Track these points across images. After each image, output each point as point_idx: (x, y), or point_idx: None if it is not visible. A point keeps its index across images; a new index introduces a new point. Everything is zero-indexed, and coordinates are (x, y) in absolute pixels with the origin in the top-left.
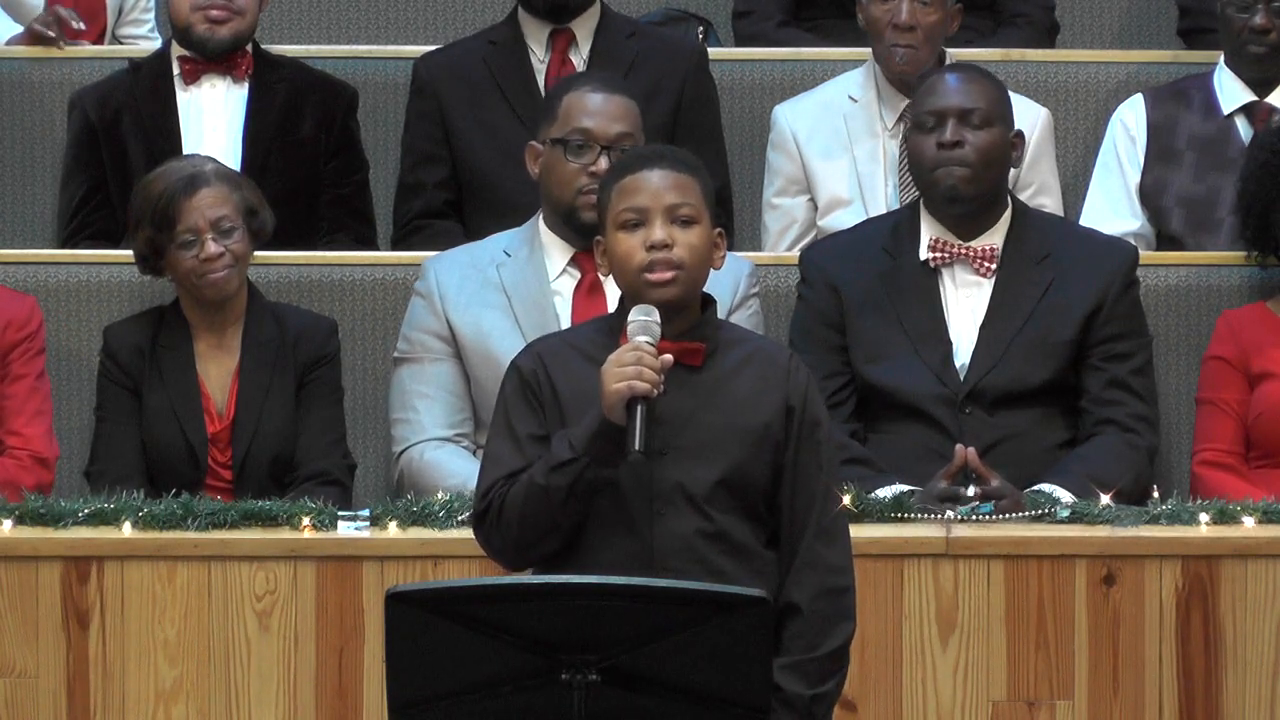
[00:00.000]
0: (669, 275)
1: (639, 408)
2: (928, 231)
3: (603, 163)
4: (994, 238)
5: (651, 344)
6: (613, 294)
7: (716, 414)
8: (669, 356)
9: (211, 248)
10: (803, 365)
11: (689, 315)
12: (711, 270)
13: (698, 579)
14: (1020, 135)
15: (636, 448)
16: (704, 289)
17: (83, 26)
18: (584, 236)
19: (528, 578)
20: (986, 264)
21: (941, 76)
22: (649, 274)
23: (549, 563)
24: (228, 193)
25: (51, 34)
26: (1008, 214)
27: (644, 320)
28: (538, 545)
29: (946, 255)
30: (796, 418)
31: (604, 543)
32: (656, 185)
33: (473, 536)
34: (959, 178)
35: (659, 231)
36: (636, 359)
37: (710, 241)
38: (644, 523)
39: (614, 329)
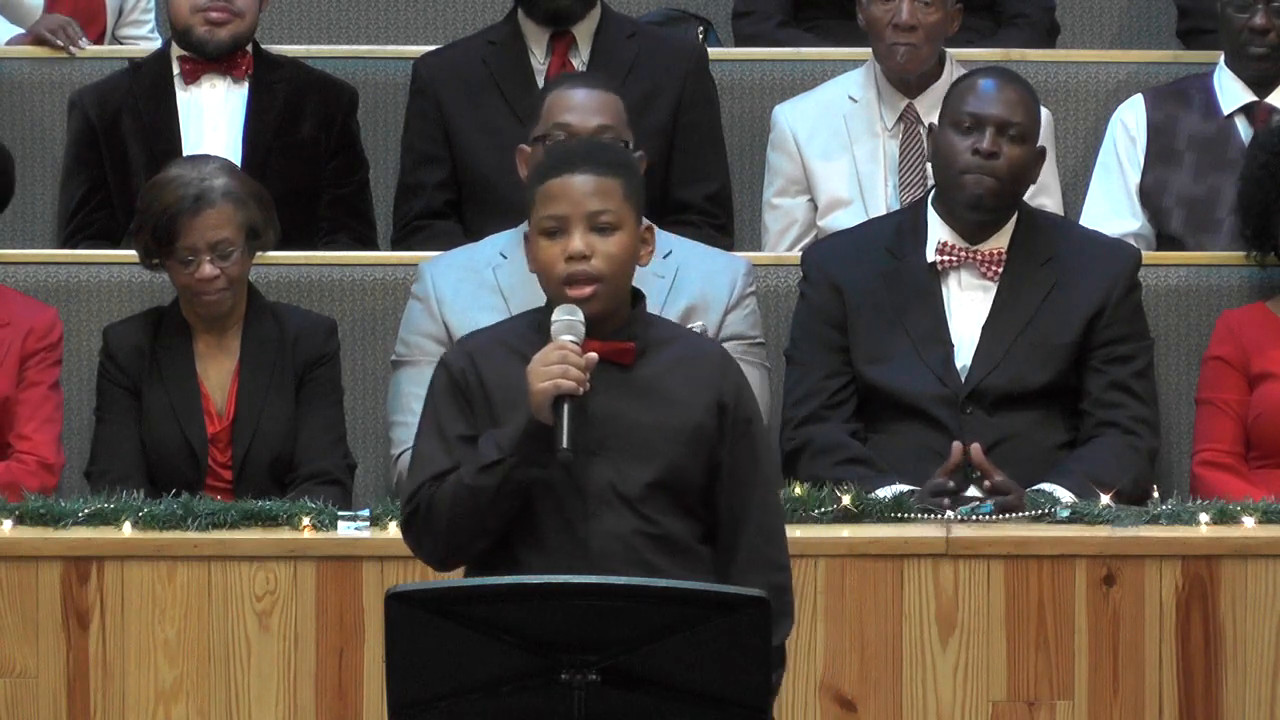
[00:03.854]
0: (588, 291)
1: (565, 406)
2: (935, 234)
3: None
4: (1000, 241)
5: (576, 342)
6: None
7: (649, 414)
8: (594, 355)
9: (207, 270)
10: (734, 361)
11: (619, 314)
12: (708, 269)
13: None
14: (1043, 151)
15: (565, 446)
16: (699, 287)
17: (85, 44)
18: None
19: (528, 578)
20: (993, 268)
21: (985, 78)
22: (569, 288)
23: (483, 564)
24: (232, 212)
25: (59, 41)
26: (1013, 217)
27: (568, 320)
28: (467, 547)
29: (954, 259)
30: (730, 415)
31: (540, 544)
32: (577, 192)
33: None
34: (987, 188)
35: (577, 242)
36: (561, 358)
37: (634, 243)
38: (579, 523)
39: (542, 325)
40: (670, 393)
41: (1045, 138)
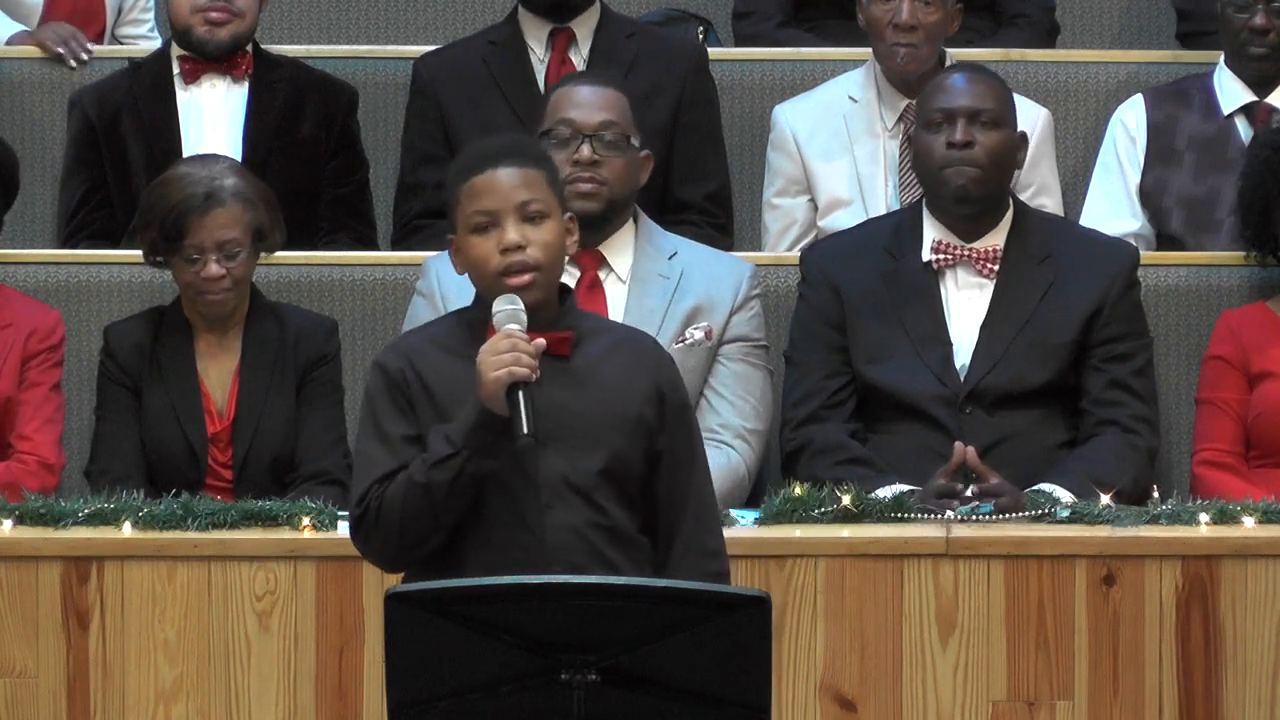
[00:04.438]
0: (527, 279)
1: (520, 393)
2: (930, 233)
3: (585, 150)
4: (996, 239)
5: (521, 330)
6: (612, 292)
7: (592, 403)
8: (542, 340)
9: (213, 269)
10: (665, 350)
11: (550, 307)
12: (713, 271)
13: (590, 571)
14: (1024, 136)
15: (526, 432)
16: (704, 289)
17: (86, 56)
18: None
19: (528, 578)
20: (989, 265)
21: (950, 75)
22: (506, 278)
23: (429, 564)
24: (240, 213)
25: (60, 50)
26: (1009, 215)
27: (510, 309)
28: (420, 545)
29: (949, 257)
30: (668, 402)
31: (491, 540)
32: (505, 184)
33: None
34: (969, 178)
35: (512, 233)
36: (512, 345)
37: (563, 231)
38: (534, 517)
39: (473, 323)
40: (609, 381)
41: (1045, 138)
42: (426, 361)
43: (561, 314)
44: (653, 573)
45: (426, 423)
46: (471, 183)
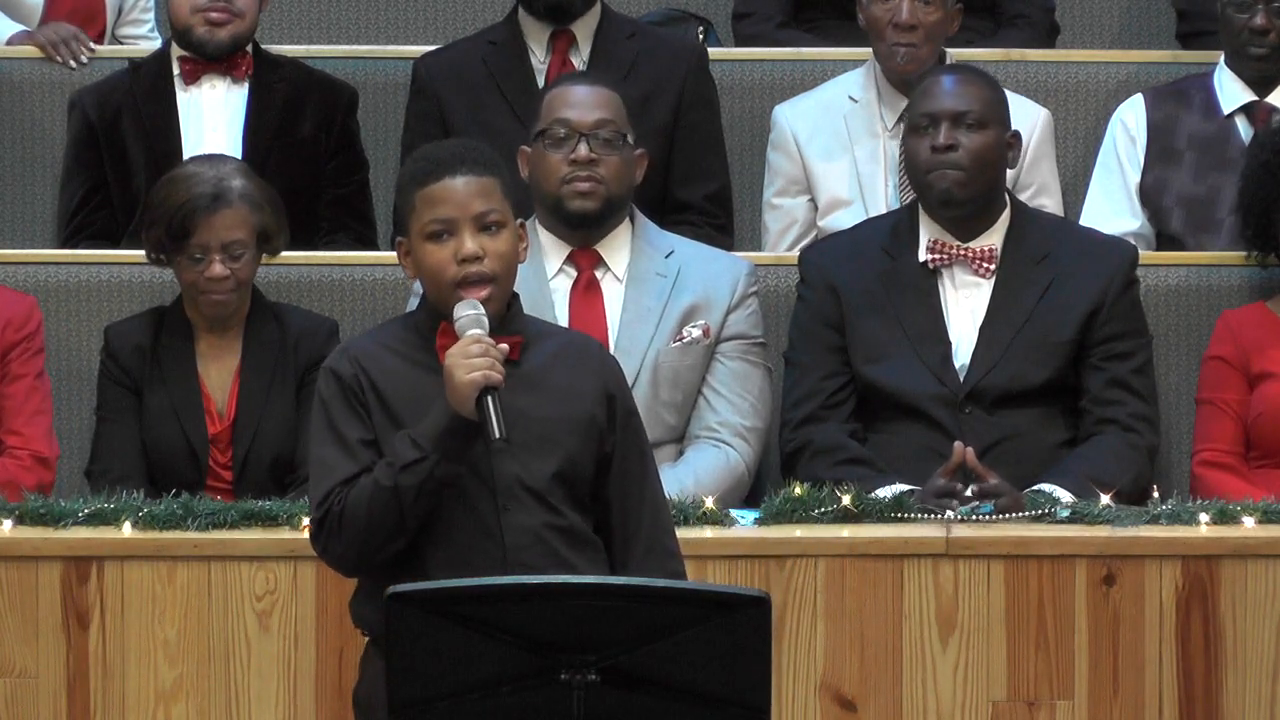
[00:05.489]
0: (485, 293)
1: (491, 397)
2: (926, 233)
3: (583, 149)
4: (992, 238)
5: (485, 334)
6: (609, 290)
7: (544, 406)
8: (505, 345)
9: (218, 269)
10: (610, 354)
11: (498, 311)
12: (710, 269)
13: (549, 572)
14: (1016, 135)
15: (499, 435)
16: (701, 287)
17: (85, 59)
18: (573, 229)
19: (527, 578)
20: (985, 265)
21: (936, 78)
22: (463, 289)
23: (396, 565)
24: (247, 214)
25: (59, 58)
26: (1006, 214)
27: (473, 314)
28: (383, 549)
29: (945, 256)
30: (617, 405)
31: (450, 541)
32: (461, 193)
33: None
34: (953, 181)
35: (470, 244)
36: (483, 350)
37: (517, 240)
38: (492, 520)
39: (420, 327)
40: (559, 384)
41: (1045, 138)
42: (377, 366)
43: (508, 319)
44: (610, 574)
45: (379, 427)
46: (428, 190)
